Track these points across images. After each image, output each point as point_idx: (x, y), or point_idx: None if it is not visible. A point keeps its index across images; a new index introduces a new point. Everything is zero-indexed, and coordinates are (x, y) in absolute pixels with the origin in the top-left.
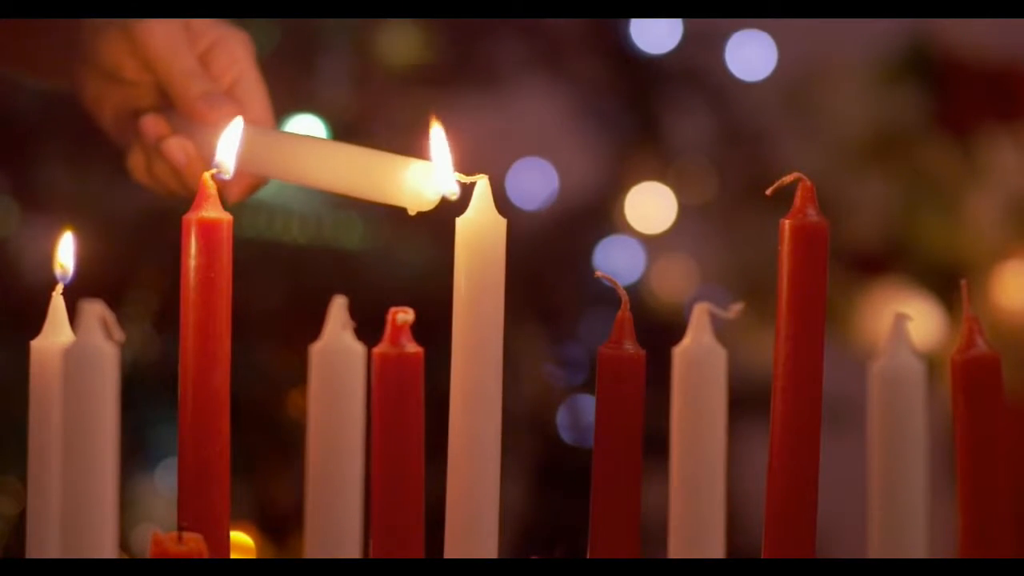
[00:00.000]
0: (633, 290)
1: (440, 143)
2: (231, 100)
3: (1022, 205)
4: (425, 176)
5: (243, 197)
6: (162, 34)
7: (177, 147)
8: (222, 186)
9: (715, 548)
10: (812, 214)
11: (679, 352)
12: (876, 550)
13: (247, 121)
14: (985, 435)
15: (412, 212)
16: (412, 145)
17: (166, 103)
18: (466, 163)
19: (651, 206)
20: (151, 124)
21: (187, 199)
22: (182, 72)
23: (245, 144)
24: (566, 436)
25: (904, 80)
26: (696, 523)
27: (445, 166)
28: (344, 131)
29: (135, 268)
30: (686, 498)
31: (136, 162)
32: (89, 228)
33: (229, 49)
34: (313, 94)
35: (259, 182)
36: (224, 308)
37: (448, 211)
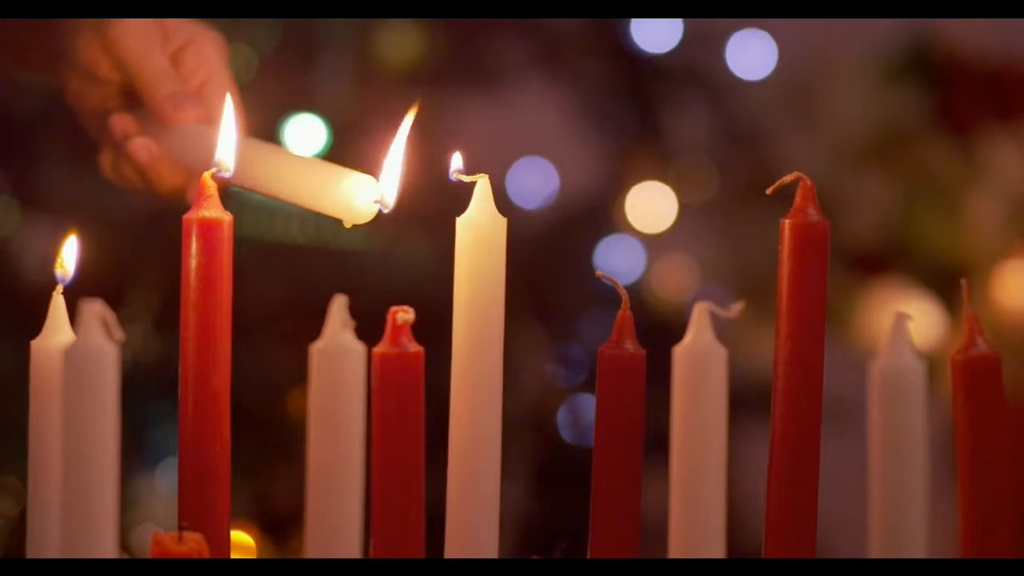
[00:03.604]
0: (633, 289)
1: (399, 151)
2: (198, 102)
3: (1022, 205)
4: (359, 189)
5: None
6: (135, 34)
7: (141, 146)
8: (187, 185)
9: (715, 548)
10: (812, 213)
11: (679, 351)
12: (876, 550)
13: (212, 123)
14: (985, 435)
15: (347, 225)
16: (411, 145)
17: (138, 102)
18: (466, 163)
19: (651, 205)
20: (118, 123)
21: (156, 197)
22: (152, 72)
23: (206, 146)
24: (566, 436)
25: (904, 80)
26: (696, 523)
27: (390, 176)
28: (344, 131)
29: (135, 268)
30: (686, 498)
31: (104, 159)
32: (89, 228)
33: (200, 50)
34: (313, 94)
35: (222, 183)
36: (224, 308)
37: (448, 211)
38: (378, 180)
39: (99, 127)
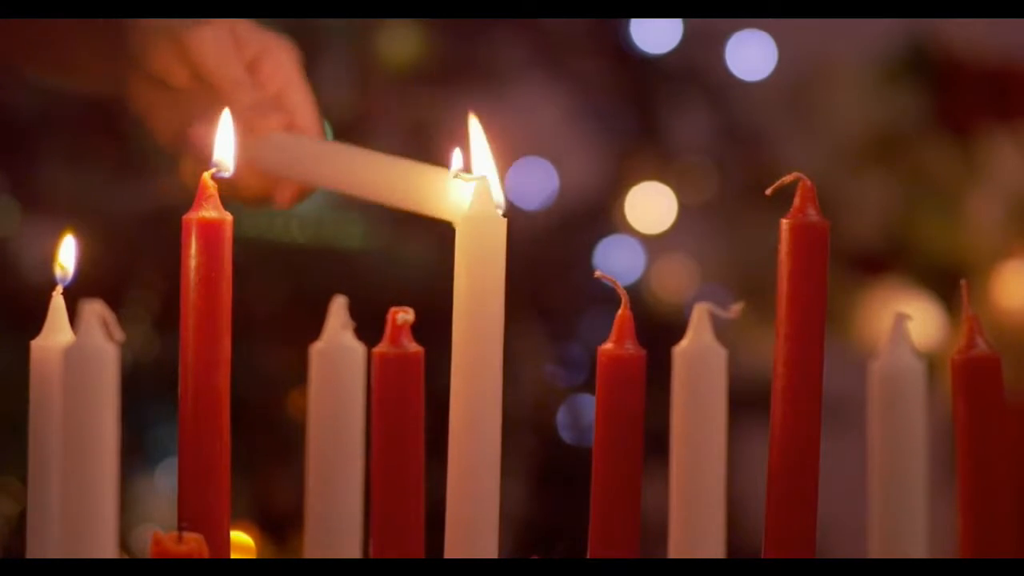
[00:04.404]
0: (633, 290)
1: (483, 152)
2: (279, 109)
3: (1022, 205)
4: (469, 190)
5: (294, 203)
6: (211, 43)
7: None
8: (273, 192)
9: (715, 548)
10: (812, 214)
11: (679, 352)
12: (876, 550)
13: (295, 130)
14: (985, 435)
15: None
16: (411, 145)
17: (215, 111)
18: (466, 162)
19: (651, 206)
20: (201, 133)
21: (241, 206)
22: (231, 81)
23: (292, 152)
24: (566, 436)
25: (904, 80)
26: (696, 523)
27: (490, 177)
28: (344, 131)
29: (135, 268)
30: (686, 498)
31: (186, 168)
32: (89, 228)
33: (275, 58)
34: (313, 94)
35: (308, 188)
36: (224, 308)
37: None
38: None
39: (176, 136)
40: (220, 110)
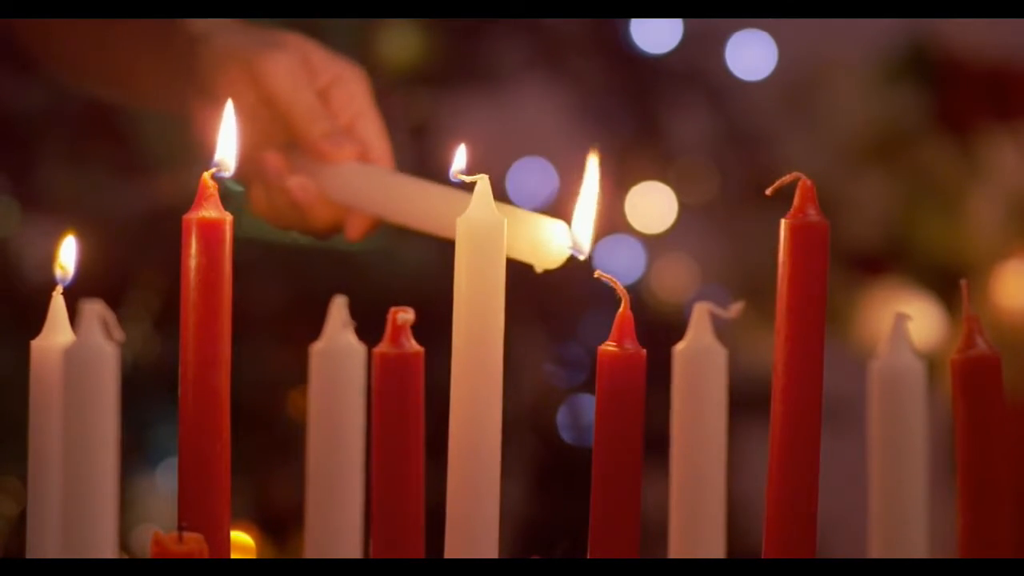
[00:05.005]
0: (633, 290)
1: (590, 196)
2: (353, 139)
3: (1022, 205)
4: (553, 234)
5: (363, 237)
6: (284, 71)
7: (299, 186)
8: (343, 223)
9: (715, 548)
10: (812, 214)
11: (679, 352)
12: (876, 550)
13: (368, 160)
14: (985, 435)
15: (539, 270)
16: (412, 145)
17: (285, 138)
18: (467, 162)
19: (651, 206)
20: (272, 161)
21: (312, 234)
22: (304, 110)
23: (364, 184)
24: (566, 436)
25: (904, 80)
26: (696, 523)
27: (584, 222)
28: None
29: (135, 268)
30: (686, 498)
31: (257, 196)
32: (89, 228)
33: (348, 87)
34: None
35: (379, 221)
36: (224, 308)
37: None
38: (571, 225)
39: (239, 163)
40: (290, 137)
